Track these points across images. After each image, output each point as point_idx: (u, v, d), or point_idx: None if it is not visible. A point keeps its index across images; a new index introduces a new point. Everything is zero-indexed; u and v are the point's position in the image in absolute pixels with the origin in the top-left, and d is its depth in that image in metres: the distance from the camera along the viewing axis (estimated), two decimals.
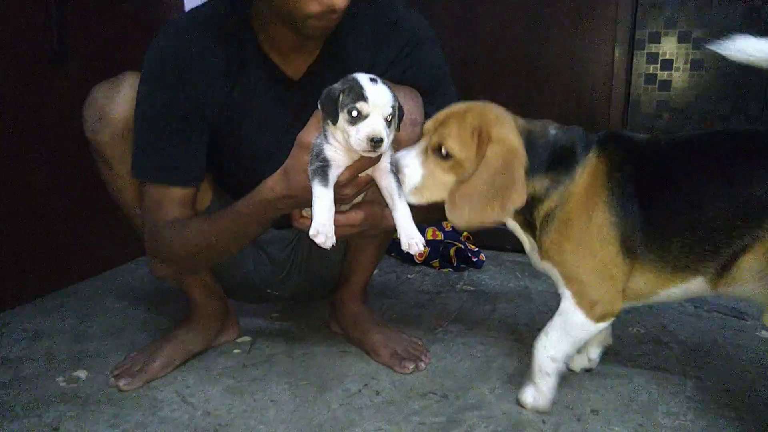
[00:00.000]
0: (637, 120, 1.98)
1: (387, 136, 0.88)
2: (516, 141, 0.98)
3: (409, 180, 1.00)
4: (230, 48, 1.10)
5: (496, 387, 1.20)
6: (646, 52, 1.93)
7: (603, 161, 1.00)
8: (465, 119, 0.99)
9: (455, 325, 1.52)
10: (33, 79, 1.64)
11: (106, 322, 1.54)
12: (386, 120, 0.88)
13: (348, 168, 0.93)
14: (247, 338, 1.44)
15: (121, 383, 1.20)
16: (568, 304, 1.02)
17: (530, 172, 0.98)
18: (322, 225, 0.90)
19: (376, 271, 1.65)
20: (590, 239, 0.98)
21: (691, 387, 1.19)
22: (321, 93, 0.90)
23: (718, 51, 0.92)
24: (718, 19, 1.84)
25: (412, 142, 1.06)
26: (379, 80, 0.90)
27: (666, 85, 1.93)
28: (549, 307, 1.62)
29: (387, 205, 1.00)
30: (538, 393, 1.09)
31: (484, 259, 2.01)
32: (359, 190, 0.99)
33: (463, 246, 1.99)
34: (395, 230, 0.98)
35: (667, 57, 1.91)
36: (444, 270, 1.97)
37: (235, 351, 1.38)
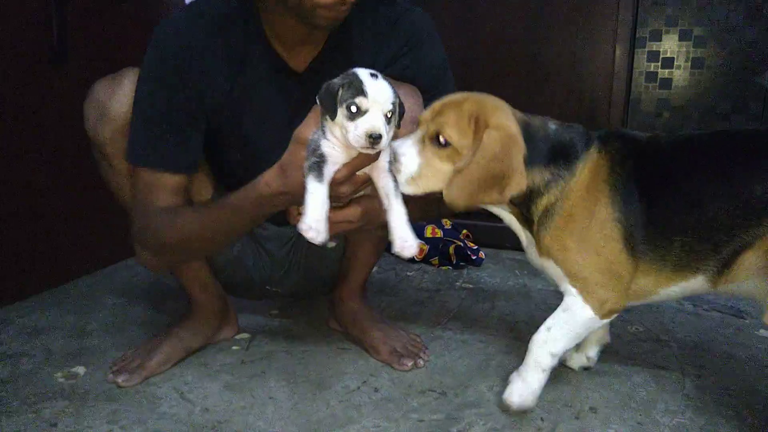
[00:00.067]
0: (638, 118, 1.98)
1: (386, 132, 0.86)
2: (514, 128, 0.97)
3: (406, 169, 0.98)
4: (233, 40, 1.09)
5: (494, 384, 1.20)
6: (646, 50, 1.93)
7: (604, 157, 0.99)
8: (462, 107, 0.98)
9: (454, 322, 1.52)
10: (33, 79, 1.64)
11: (104, 319, 1.54)
12: (386, 116, 0.87)
13: (345, 165, 0.92)
14: (245, 335, 1.44)
15: (120, 379, 1.20)
16: (574, 300, 1.01)
17: (529, 163, 0.97)
18: (315, 221, 0.89)
19: (375, 268, 1.65)
20: (593, 235, 0.97)
21: (689, 385, 1.19)
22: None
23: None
24: (719, 18, 1.84)
25: None
26: (379, 75, 0.88)
27: (667, 83, 1.93)
28: (548, 305, 1.62)
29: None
30: (525, 389, 1.05)
31: (484, 257, 2.01)
32: (356, 189, 0.98)
33: (462, 244, 1.99)
34: None
35: (668, 55, 1.91)
36: (443, 268, 1.97)
37: (234, 348, 1.38)
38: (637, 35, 1.93)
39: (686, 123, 1.93)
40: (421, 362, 1.28)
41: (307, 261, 1.38)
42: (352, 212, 1.00)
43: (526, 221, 1.05)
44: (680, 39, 1.89)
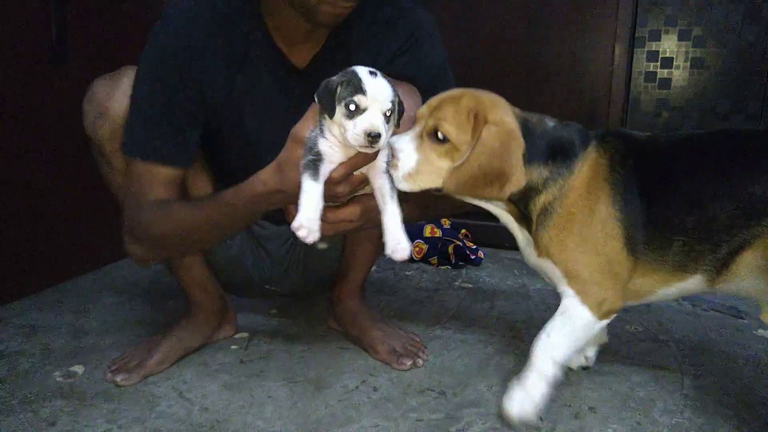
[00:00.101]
0: (637, 118, 1.98)
1: (385, 131, 0.85)
2: (513, 123, 0.96)
3: (404, 165, 0.96)
4: (234, 36, 1.09)
5: (493, 384, 1.20)
6: (646, 50, 1.93)
7: (604, 156, 0.99)
8: (460, 103, 0.96)
9: (453, 322, 1.52)
10: (33, 79, 1.64)
11: (103, 318, 1.54)
12: (385, 115, 0.86)
13: (343, 164, 0.90)
14: (244, 334, 1.44)
15: (119, 378, 1.20)
16: (572, 301, 1.00)
17: (528, 160, 0.96)
18: (307, 219, 0.87)
19: (374, 267, 1.65)
20: (594, 234, 0.97)
21: (688, 385, 1.19)
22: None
23: None
24: (718, 18, 1.84)
25: None
26: (378, 73, 0.87)
27: (666, 83, 1.93)
28: (547, 305, 1.62)
29: None
30: (526, 399, 1.01)
31: (483, 256, 2.01)
32: (353, 189, 0.96)
33: (461, 243, 1.99)
34: None
35: (667, 55, 1.91)
36: (442, 267, 1.97)
37: (233, 347, 1.38)
38: (637, 35, 1.93)
39: (685, 123, 1.93)
40: (420, 362, 1.28)
41: (306, 260, 1.38)
42: (352, 211, 0.99)
43: (524, 220, 1.04)
44: (679, 39, 1.89)
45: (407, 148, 0.97)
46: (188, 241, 1.16)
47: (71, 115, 1.28)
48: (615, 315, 1.03)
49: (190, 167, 1.16)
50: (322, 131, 0.89)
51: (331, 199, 0.94)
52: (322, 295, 1.51)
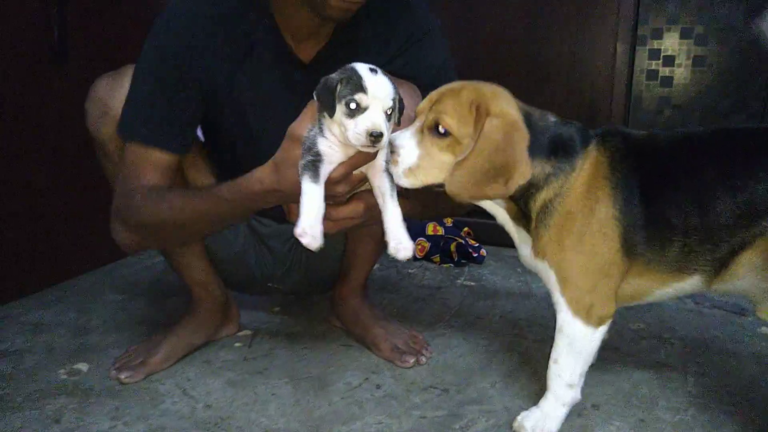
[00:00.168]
0: (639, 116, 1.98)
1: (387, 130, 0.83)
2: (516, 114, 0.94)
3: (404, 161, 0.94)
4: (240, 30, 1.08)
5: (496, 381, 1.20)
6: (648, 48, 1.93)
7: (604, 154, 0.97)
8: (461, 95, 0.93)
9: (456, 320, 1.52)
10: (33, 79, 1.64)
11: (106, 316, 1.55)
12: (386, 113, 0.84)
13: (343, 164, 0.88)
14: (248, 332, 1.44)
15: (122, 376, 1.20)
16: (565, 316, 0.98)
17: (530, 153, 0.93)
18: (310, 225, 0.85)
19: (376, 265, 1.65)
20: (592, 233, 0.95)
21: (691, 382, 1.19)
22: None
23: None
24: (720, 16, 1.84)
25: None
26: (379, 71, 0.85)
27: (668, 81, 1.93)
28: (549, 303, 1.60)
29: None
30: (541, 419, 1.01)
31: (485, 254, 2.00)
32: (352, 188, 0.95)
33: (463, 241, 1.99)
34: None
35: (669, 53, 1.91)
36: (445, 265, 1.97)
37: (236, 344, 1.38)
38: (638, 33, 1.93)
39: (687, 121, 1.93)
40: (423, 359, 1.28)
41: (309, 259, 1.38)
42: (354, 208, 0.98)
43: (523, 218, 1.01)
44: (681, 37, 1.89)
45: (408, 143, 0.95)
46: (179, 231, 1.13)
47: (71, 115, 1.28)
48: (611, 320, 1.00)
49: (185, 155, 1.14)
50: (321, 130, 0.87)
51: (330, 199, 0.92)
52: (324, 293, 1.51)
